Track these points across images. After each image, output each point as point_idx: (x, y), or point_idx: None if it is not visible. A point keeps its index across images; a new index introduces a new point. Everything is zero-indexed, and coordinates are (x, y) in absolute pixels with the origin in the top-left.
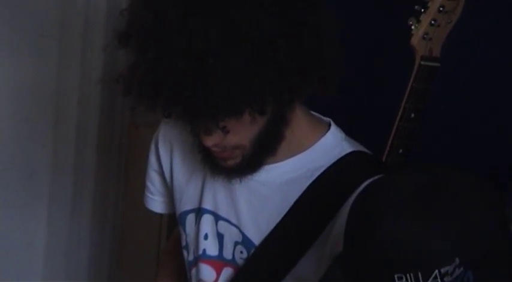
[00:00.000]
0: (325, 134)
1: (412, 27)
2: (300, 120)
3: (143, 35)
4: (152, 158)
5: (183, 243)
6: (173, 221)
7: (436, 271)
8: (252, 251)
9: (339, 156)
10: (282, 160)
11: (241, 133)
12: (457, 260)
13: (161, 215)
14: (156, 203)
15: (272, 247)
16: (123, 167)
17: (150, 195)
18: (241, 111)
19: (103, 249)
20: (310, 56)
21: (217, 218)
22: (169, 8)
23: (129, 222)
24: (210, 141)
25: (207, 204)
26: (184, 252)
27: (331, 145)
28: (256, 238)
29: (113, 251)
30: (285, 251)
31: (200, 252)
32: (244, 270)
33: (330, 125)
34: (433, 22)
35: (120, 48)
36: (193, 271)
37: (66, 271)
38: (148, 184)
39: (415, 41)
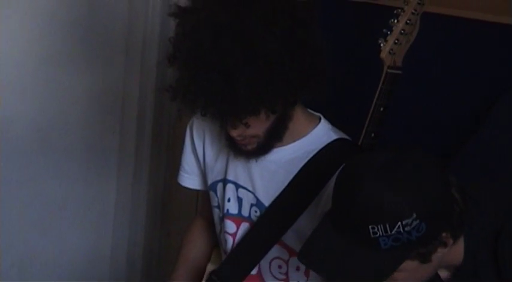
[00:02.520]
0: (317, 125)
1: (381, 44)
2: (299, 115)
3: (185, 56)
4: (188, 142)
5: (215, 204)
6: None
7: (399, 222)
8: (263, 210)
9: (327, 142)
10: (285, 145)
11: (258, 126)
12: (414, 215)
13: None
14: (188, 179)
15: (278, 208)
16: (171, 148)
17: (184, 174)
18: (258, 111)
19: (156, 210)
20: (308, 68)
21: (237, 186)
22: (204, 36)
23: (174, 189)
24: (234, 133)
25: (230, 176)
26: (216, 210)
27: (321, 134)
28: (267, 201)
29: (163, 210)
30: (287, 210)
31: (225, 211)
32: (257, 224)
33: (320, 119)
34: (396, 41)
35: (169, 66)
36: (221, 225)
37: (129, 227)
38: (184, 164)
39: (383, 54)
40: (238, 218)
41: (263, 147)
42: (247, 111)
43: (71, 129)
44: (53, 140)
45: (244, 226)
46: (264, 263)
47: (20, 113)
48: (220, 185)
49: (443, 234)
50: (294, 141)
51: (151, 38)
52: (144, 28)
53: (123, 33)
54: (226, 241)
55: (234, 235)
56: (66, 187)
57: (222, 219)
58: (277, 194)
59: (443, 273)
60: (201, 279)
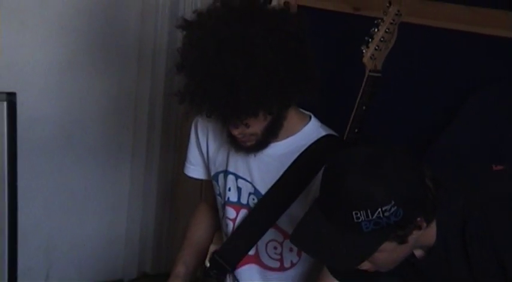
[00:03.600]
0: (307, 123)
1: (363, 51)
2: (292, 114)
3: (192, 65)
4: (193, 138)
5: (217, 192)
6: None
7: (379, 209)
8: (260, 198)
9: (317, 138)
10: (280, 140)
11: (256, 126)
12: (393, 202)
13: None
14: (193, 171)
15: (273, 195)
16: (178, 143)
17: (190, 166)
18: (257, 113)
19: (165, 197)
20: (301, 75)
21: (237, 177)
22: (208, 48)
23: (181, 179)
24: (236, 132)
25: (231, 168)
26: (218, 198)
27: (311, 130)
28: (263, 190)
29: (171, 197)
30: (281, 198)
31: (226, 199)
32: (254, 211)
33: (310, 117)
34: (377, 47)
35: (177, 73)
36: (223, 211)
37: (142, 212)
38: (190, 157)
39: (365, 59)
40: (238, 205)
41: (261, 144)
42: (248, 114)
43: (90, 127)
44: (75, 137)
45: (243, 212)
46: (261, 244)
47: (46, 113)
48: (221, 176)
49: (418, 219)
50: (288, 137)
51: (160, 47)
52: (154, 39)
53: (135, 43)
54: (227, 225)
55: (234, 220)
56: (86, 177)
57: (223, 206)
58: (272, 183)
59: (418, 253)
60: (205, 258)
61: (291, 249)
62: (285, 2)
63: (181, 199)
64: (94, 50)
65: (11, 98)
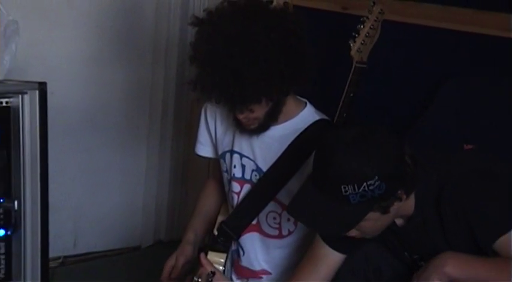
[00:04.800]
0: (303, 108)
1: (351, 45)
2: (290, 101)
3: (202, 58)
4: (203, 121)
5: (224, 169)
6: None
7: (365, 183)
8: (262, 174)
9: (312, 122)
10: (279, 124)
11: (259, 111)
12: (376, 177)
13: None
14: (202, 150)
15: (273, 172)
16: (189, 125)
17: (200, 146)
18: (260, 100)
19: (177, 173)
20: (299, 68)
21: (241, 155)
22: (218, 43)
23: (191, 158)
24: (241, 116)
25: (236, 148)
26: (225, 174)
27: (307, 115)
28: (264, 167)
29: (182, 174)
30: (280, 174)
31: (232, 175)
32: (256, 185)
33: (306, 103)
34: (363, 42)
35: (189, 65)
36: (229, 186)
37: (157, 187)
38: (200, 138)
39: (352, 52)
40: (242, 181)
41: (262, 126)
42: (252, 101)
43: (112, 112)
44: (98, 120)
45: (247, 187)
46: (262, 215)
47: (73, 100)
48: (228, 155)
49: (399, 192)
50: (286, 121)
51: (172, 42)
52: (167, 34)
53: (151, 39)
54: (232, 198)
55: (238, 193)
56: (108, 156)
57: (229, 181)
58: (272, 161)
59: (399, 221)
60: (213, 227)
61: (288, 219)
62: (284, 2)
63: (192, 175)
64: (115, 44)
65: (42, 87)
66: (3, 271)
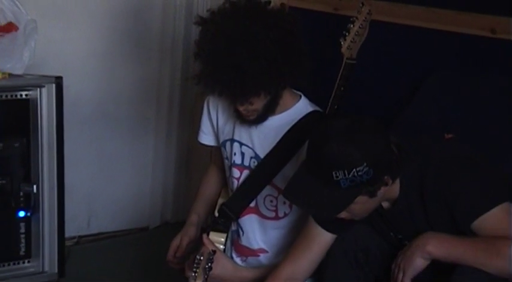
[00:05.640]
0: (298, 101)
1: (342, 42)
2: (286, 94)
3: (206, 55)
4: (205, 112)
5: (225, 156)
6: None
7: (354, 169)
8: (260, 161)
9: (306, 113)
10: (276, 115)
11: (258, 103)
12: (365, 164)
13: None
14: (205, 139)
15: (270, 159)
16: (193, 116)
17: (202, 135)
18: (259, 94)
19: (182, 161)
20: (295, 64)
21: (241, 144)
22: (220, 41)
23: (194, 146)
24: (241, 108)
25: (236, 137)
26: (225, 161)
27: (301, 107)
28: (262, 154)
29: (187, 161)
30: (276, 161)
31: (232, 161)
32: (255, 171)
33: (301, 96)
34: (352, 40)
35: (193, 61)
36: (229, 172)
37: (163, 173)
38: (203, 127)
39: (343, 49)
40: (241, 167)
41: (261, 117)
42: (251, 94)
43: (122, 104)
44: (110, 112)
45: (246, 172)
46: (260, 198)
47: (86, 93)
48: (228, 143)
49: (385, 177)
50: (282, 112)
51: (178, 40)
52: (173, 33)
53: (158, 37)
54: (232, 183)
55: (238, 179)
56: (119, 145)
57: (229, 168)
58: (269, 149)
59: (385, 204)
60: (214, 209)
61: (284, 202)
62: (281, 4)
63: (195, 162)
64: (125, 43)
65: (58, 81)
66: (23, 249)
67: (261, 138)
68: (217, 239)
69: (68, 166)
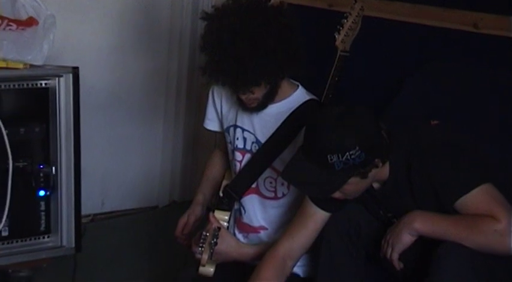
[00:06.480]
0: (296, 90)
1: (336, 36)
2: (285, 84)
3: (212, 48)
4: (210, 100)
5: (228, 141)
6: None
7: (347, 153)
8: (260, 146)
9: (303, 101)
10: (275, 103)
11: (259, 92)
12: (357, 148)
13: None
14: (210, 124)
15: (270, 144)
16: (199, 104)
17: (207, 121)
18: (260, 84)
19: (188, 145)
20: (293, 56)
21: (243, 129)
22: (224, 35)
23: (200, 131)
24: (243, 96)
25: (239, 123)
26: (229, 145)
27: (299, 96)
28: (263, 139)
29: (193, 145)
30: (276, 145)
31: (235, 146)
32: (256, 155)
33: (298, 86)
34: (346, 34)
35: (199, 54)
36: (232, 155)
37: (172, 156)
38: (208, 114)
39: (337, 43)
40: (244, 151)
41: (261, 105)
42: (252, 84)
43: (133, 92)
44: (122, 99)
45: (247, 156)
46: (260, 180)
47: (101, 82)
48: (232, 129)
49: (376, 160)
50: (281, 100)
51: (185, 34)
52: (180, 27)
53: (166, 31)
54: (235, 166)
55: (240, 162)
56: (131, 130)
57: (232, 152)
58: (269, 135)
59: (376, 185)
60: (219, 190)
61: (282, 184)
62: (280, 1)
63: (201, 146)
64: (137, 36)
65: (75, 71)
66: (43, 225)
67: (262, 124)
68: (222, 217)
69: (83, 149)
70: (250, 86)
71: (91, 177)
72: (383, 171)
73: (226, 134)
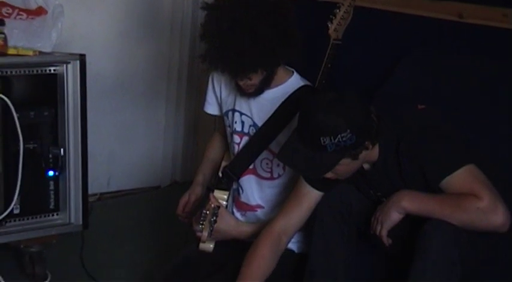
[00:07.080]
0: (291, 76)
1: (329, 25)
2: (280, 70)
3: (211, 37)
4: (210, 85)
5: (227, 124)
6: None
7: (339, 135)
8: (257, 129)
9: (298, 87)
10: (272, 88)
11: (256, 79)
12: (348, 130)
13: None
14: (210, 108)
15: (267, 127)
16: (199, 89)
17: (207, 105)
18: (257, 70)
19: (189, 128)
20: (289, 45)
21: (241, 113)
22: (223, 25)
23: (201, 115)
24: (241, 82)
25: (237, 107)
26: (228, 128)
27: (294, 82)
28: (260, 123)
29: (193, 129)
30: (272, 129)
31: (233, 129)
32: (253, 138)
33: (293, 72)
34: (338, 23)
35: (199, 42)
36: (231, 138)
37: (173, 139)
38: (208, 99)
39: (330, 31)
40: (241, 134)
41: (258, 91)
42: (250, 70)
43: (137, 79)
44: (126, 86)
45: (245, 139)
46: (257, 161)
47: (106, 69)
48: (230, 113)
49: (366, 142)
50: (277, 86)
51: (186, 23)
52: (182, 16)
53: (168, 20)
54: (233, 148)
55: (238, 144)
56: (134, 114)
57: (231, 134)
58: (266, 118)
59: (366, 166)
60: (218, 170)
61: (278, 165)
62: None
63: (201, 129)
64: (140, 25)
65: (82, 58)
66: (52, 203)
67: (259, 108)
68: (221, 196)
69: (90, 133)
70: (248, 73)
71: (97, 159)
72: (373, 153)
73: (225, 117)
